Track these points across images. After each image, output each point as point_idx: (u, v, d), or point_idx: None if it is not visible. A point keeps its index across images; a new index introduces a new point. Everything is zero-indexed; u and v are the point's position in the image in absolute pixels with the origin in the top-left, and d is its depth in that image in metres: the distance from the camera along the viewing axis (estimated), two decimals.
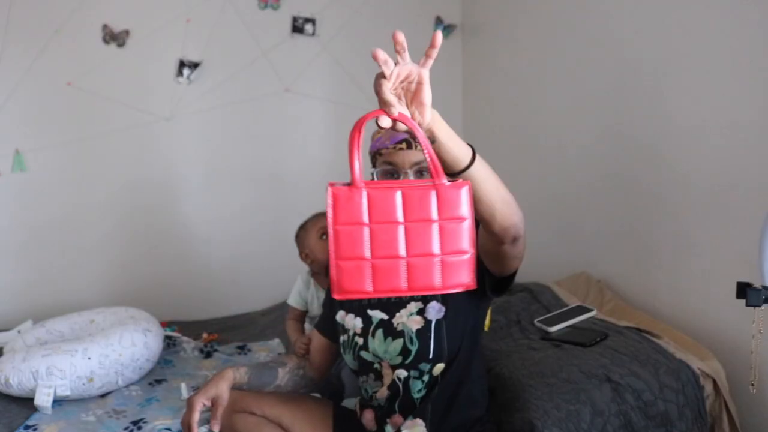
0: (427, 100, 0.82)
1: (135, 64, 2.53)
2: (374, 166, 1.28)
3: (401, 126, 0.80)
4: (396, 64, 0.79)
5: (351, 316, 1.35)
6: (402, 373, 1.28)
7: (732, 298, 1.07)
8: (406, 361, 1.26)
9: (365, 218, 0.78)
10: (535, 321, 1.86)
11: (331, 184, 0.79)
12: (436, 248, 0.79)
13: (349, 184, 0.79)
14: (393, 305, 1.31)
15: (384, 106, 0.79)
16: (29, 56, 2.40)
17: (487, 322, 1.81)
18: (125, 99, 2.55)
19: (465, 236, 0.80)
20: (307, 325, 1.94)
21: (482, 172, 0.91)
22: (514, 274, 1.18)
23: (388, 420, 1.32)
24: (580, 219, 2.26)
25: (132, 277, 2.65)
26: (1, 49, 2.37)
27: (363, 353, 1.32)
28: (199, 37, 2.59)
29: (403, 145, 1.21)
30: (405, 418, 1.30)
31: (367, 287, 0.79)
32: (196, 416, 1.23)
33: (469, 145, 0.91)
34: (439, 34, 0.80)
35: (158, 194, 2.67)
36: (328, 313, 1.45)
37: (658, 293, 1.90)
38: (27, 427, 1.60)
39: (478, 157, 0.90)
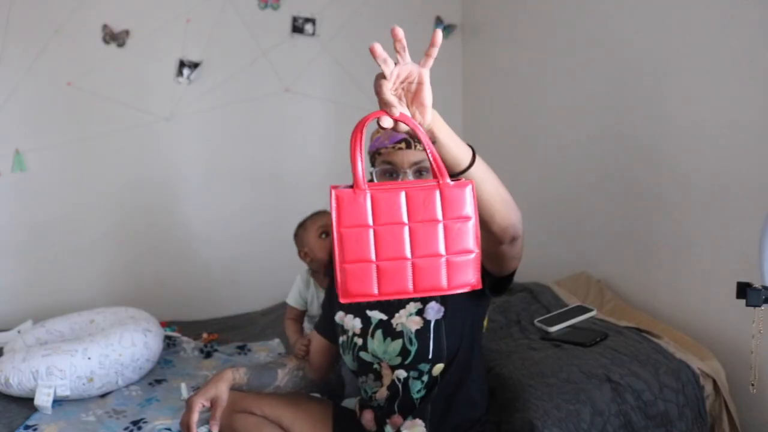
0: (428, 100, 0.81)
1: (135, 64, 2.53)
2: (373, 165, 1.28)
3: (403, 127, 0.80)
4: (396, 63, 0.78)
5: (350, 316, 1.35)
6: (401, 373, 1.28)
7: (732, 298, 1.07)
8: (406, 362, 1.26)
9: (370, 220, 0.78)
10: (535, 321, 1.86)
11: (334, 187, 0.78)
12: (441, 249, 0.79)
13: (351, 187, 0.79)
14: (392, 306, 1.31)
15: (384, 106, 0.78)
16: (29, 56, 2.40)
17: (484, 323, 1.81)
18: (125, 99, 2.55)
19: (470, 235, 0.80)
20: (306, 324, 1.94)
21: (482, 173, 0.91)
22: (512, 274, 1.18)
23: (387, 420, 1.32)
24: (580, 219, 2.26)
25: (132, 277, 2.65)
26: (1, 49, 2.37)
27: (362, 354, 1.32)
28: (199, 37, 2.59)
29: (403, 145, 1.21)
30: (405, 418, 1.30)
31: (373, 290, 0.78)
32: (195, 416, 1.23)
33: (469, 146, 0.91)
34: (439, 33, 0.79)
35: (158, 194, 2.67)
36: (327, 313, 1.45)
37: (658, 293, 1.90)
38: (27, 427, 1.60)
39: (478, 157, 0.90)
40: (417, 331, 1.26)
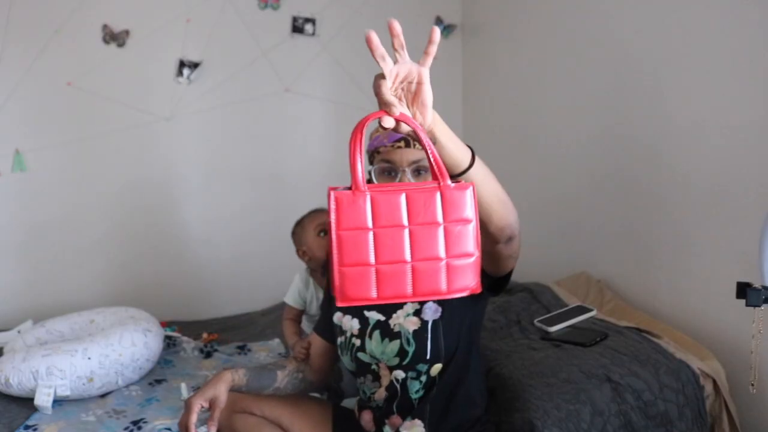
0: (428, 100, 0.81)
1: (135, 64, 2.53)
2: (371, 164, 1.27)
3: (404, 127, 0.79)
4: (395, 62, 0.78)
5: (348, 317, 1.34)
6: (400, 374, 1.28)
7: (732, 298, 1.07)
8: (404, 362, 1.26)
9: (369, 223, 0.77)
10: (535, 321, 1.86)
11: (333, 189, 0.77)
12: (441, 252, 0.78)
13: (350, 188, 0.77)
14: (390, 306, 1.31)
15: (384, 106, 0.77)
16: (29, 56, 2.40)
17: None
18: (125, 99, 2.55)
19: (471, 238, 0.79)
20: (306, 323, 1.93)
21: (481, 174, 0.91)
22: (510, 274, 1.17)
23: (386, 421, 1.32)
24: (580, 219, 2.26)
25: (132, 277, 2.65)
26: (1, 49, 2.37)
27: (360, 355, 1.31)
28: (199, 37, 2.59)
29: (402, 144, 1.20)
30: (403, 418, 1.29)
31: (371, 294, 0.77)
32: (194, 417, 1.22)
33: (468, 146, 0.90)
34: (437, 30, 0.78)
35: (158, 194, 2.67)
36: (326, 314, 1.44)
37: (658, 293, 1.90)
38: (27, 427, 1.60)
39: (477, 158, 0.90)
40: (415, 331, 1.26)
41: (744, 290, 1.05)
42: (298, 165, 2.82)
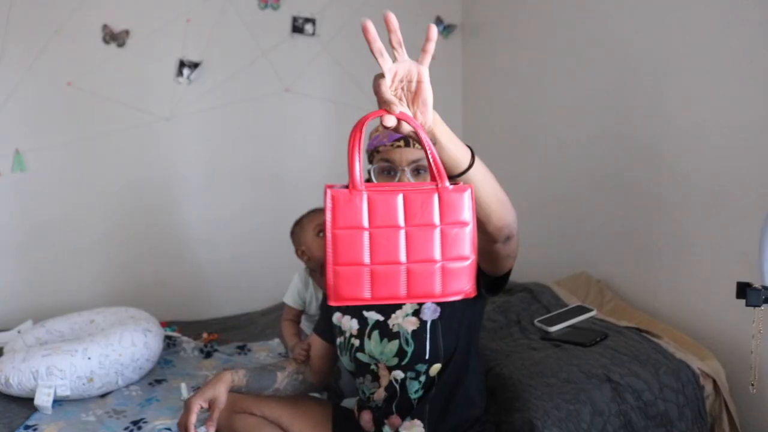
0: (429, 99, 0.80)
1: (135, 64, 2.53)
2: (371, 163, 1.27)
3: (405, 128, 0.78)
4: (394, 61, 0.77)
5: (347, 317, 1.34)
6: (399, 374, 1.28)
7: (732, 298, 1.07)
8: (403, 362, 1.26)
9: (365, 222, 0.76)
10: (535, 321, 1.86)
11: (329, 187, 0.77)
12: (437, 254, 0.77)
13: (347, 187, 0.77)
14: (389, 306, 1.31)
15: (385, 105, 0.77)
16: (29, 56, 2.40)
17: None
18: (125, 99, 2.55)
19: (467, 242, 0.78)
20: (305, 324, 1.93)
21: (481, 174, 0.90)
22: (508, 274, 1.17)
23: (385, 421, 1.31)
24: (580, 219, 2.26)
25: (132, 277, 2.65)
26: (1, 49, 2.37)
27: (359, 355, 1.31)
28: (199, 37, 2.59)
29: (401, 143, 1.20)
30: (403, 419, 1.29)
31: (365, 294, 0.77)
32: (193, 418, 1.22)
33: (468, 146, 0.90)
34: (434, 27, 0.78)
35: (158, 194, 2.67)
36: (325, 315, 1.44)
37: (658, 293, 1.90)
38: (27, 427, 1.60)
39: (477, 158, 0.90)
40: (413, 331, 1.26)
41: (744, 290, 1.05)
42: (298, 165, 2.82)
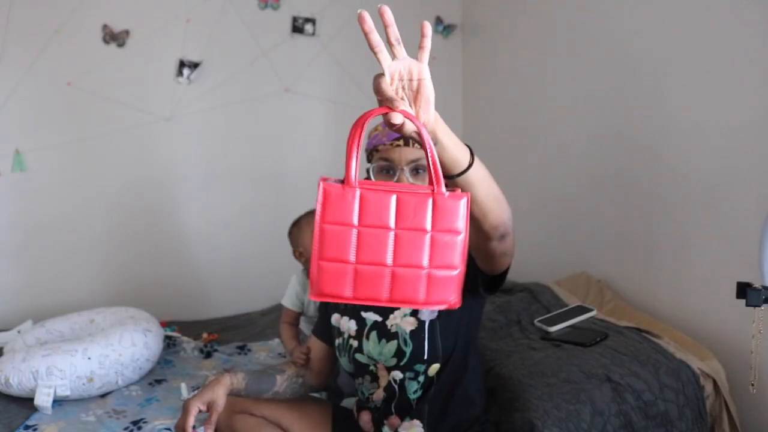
0: (431, 96, 0.79)
1: (135, 64, 2.53)
2: (370, 162, 1.27)
3: (409, 128, 0.77)
4: (393, 58, 0.76)
5: (345, 318, 1.34)
6: (397, 374, 1.27)
7: (732, 298, 1.07)
8: (401, 363, 1.26)
9: (355, 220, 0.75)
10: (535, 321, 1.86)
11: (324, 179, 0.75)
12: (425, 260, 0.76)
13: (342, 182, 0.75)
14: (387, 307, 1.30)
15: (387, 103, 0.75)
16: (29, 56, 2.40)
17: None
18: (125, 99, 2.55)
19: (457, 251, 0.76)
20: (304, 326, 1.92)
21: (480, 173, 0.90)
22: (506, 272, 1.17)
23: (385, 421, 1.31)
24: (580, 219, 2.26)
25: (132, 277, 2.65)
26: (1, 49, 2.37)
27: (358, 356, 1.31)
28: (199, 37, 2.59)
29: (401, 142, 1.20)
30: (402, 419, 1.29)
31: (346, 292, 0.75)
32: (191, 420, 1.21)
33: (467, 145, 0.90)
34: (428, 24, 0.77)
35: (158, 194, 2.67)
36: (323, 316, 1.44)
37: (658, 293, 1.90)
38: (27, 427, 1.60)
39: (476, 158, 0.89)
40: (412, 331, 1.26)
41: (744, 290, 1.05)
42: (298, 165, 2.82)
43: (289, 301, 1.87)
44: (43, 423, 1.62)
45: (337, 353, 1.37)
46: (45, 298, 2.52)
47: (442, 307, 0.78)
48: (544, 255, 2.43)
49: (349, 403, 1.55)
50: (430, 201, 0.76)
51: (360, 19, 0.73)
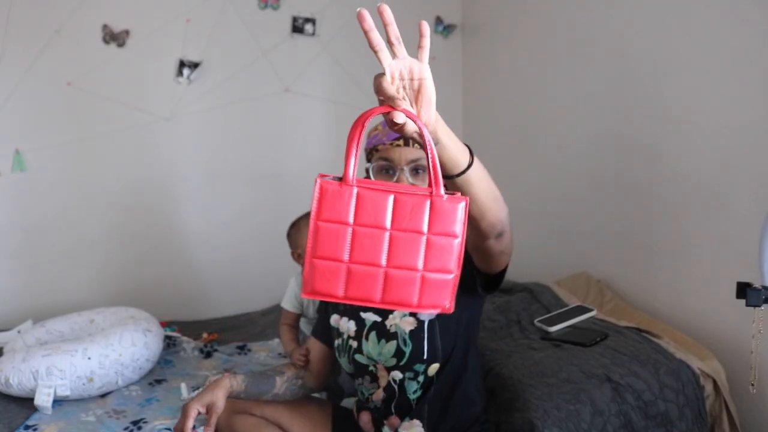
0: (432, 97, 0.78)
1: (135, 64, 2.53)
2: (369, 162, 1.26)
3: (410, 128, 0.77)
4: (393, 57, 0.75)
5: (345, 319, 1.34)
6: (397, 374, 1.27)
7: (732, 298, 1.07)
8: (401, 363, 1.26)
9: (350, 218, 0.74)
10: (535, 321, 1.86)
11: (322, 176, 0.75)
12: (419, 263, 0.75)
13: (340, 179, 0.75)
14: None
15: (389, 101, 0.75)
16: (29, 56, 2.40)
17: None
18: (125, 99, 2.55)
19: (453, 255, 0.75)
20: (304, 327, 1.92)
21: (479, 172, 0.90)
22: (504, 271, 1.17)
23: (385, 422, 1.31)
24: (580, 219, 2.26)
25: (132, 277, 2.65)
26: (1, 49, 2.37)
27: (357, 356, 1.31)
28: (199, 37, 2.59)
29: (401, 142, 1.19)
30: (402, 419, 1.29)
31: (338, 291, 0.74)
32: (190, 423, 1.21)
33: (466, 145, 0.90)
34: (425, 23, 0.76)
35: (158, 194, 2.67)
36: (323, 317, 1.43)
37: (658, 293, 1.90)
38: (27, 427, 1.60)
39: (475, 158, 0.89)
40: (411, 331, 1.26)
41: (744, 290, 1.05)
42: (298, 165, 2.82)
43: (288, 303, 1.87)
44: (43, 423, 1.62)
45: (337, 354, 1.36)
46: (45, 298, 2.52)
47: (436, 312, 0.77)
48: (544, 255, 2.43)
49: (348, 403, 1.55)
50: (428, 203, 0.75)
51: (360, 18, 0.72)
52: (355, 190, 0.74)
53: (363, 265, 0.74)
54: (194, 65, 2.59)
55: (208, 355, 2.09)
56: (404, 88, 0.78)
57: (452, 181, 0.88)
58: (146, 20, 2.52)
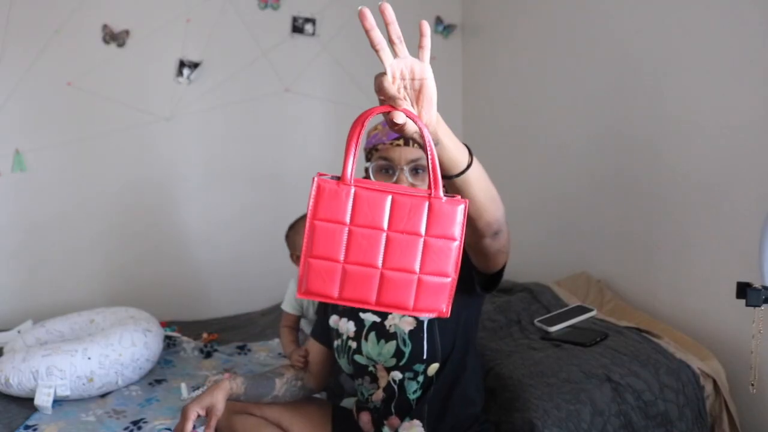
0: (433, 97, 0.78)
1: (135, 64, 2.53)
2: (368, 161, 1.26)
3: (410, 128, 0.76)
4: (394, 56, 0.75)
5: (344, 320, 1.34)
6: (397, 375, 1.27)
7: (732, 298, 1.07)
8: (401, 363, 1.26)
9: (347, 218, 0.73)
10: (535, 321, 1.86)
11: (320, 175, 0.74)
12: (416, 265, 0.74)
13: (338, 179, 0.74)
14: None
15: (390, 101, 0.74)
16: (29, 56, 2.40)
17: None
18: (125, 99, 2.55)
19: (451, 258, 0.74)
20: (306, 326, 1.92)
21: (477, 172, 0.90)
22: (502, 271, 1.17)
23: (385, 422, 1.31)
24: (580, 219, 2.26)
25: (132, 277, 2.65)
26: (1, 49, 2.37)
27: (357, 357, 1.31)
28: (199, 37, 2.59)
29: (401, 142, 1.19)
30: (402, 419, 1.29)
31: (333, 292, 0.74)
32: (189, 426, 1.20)
33: (465, 145, 0.89)
34: (425, 23, 0.76)
35: (158, 194, 2.67)
36: (322, 318, 1.43)
37: (658, 293, 1.90)
38: (27, 427, 1.60)
39: (474, 158, 0.89)
40: (410, 331, 1.26)
41: (744, 290, 1.05)
42: (298, 165, 2.82)
43: (288, 306, 1.86)
44: (43, 423, 1.62)
45: (336, 355, 1.36)
46: (45, 298, 2.52)
47: (432, 315, 0.76)
48: (544, 255, 2.43)
49: (348, 403, 1.55)
50: (427, 204, 0.74)
51: (361, 16, 0.72)
52: (353, 190, 0.73)
53: (359, 265, 0.73)
54: (194, 65, 2.59)
55: (208, 355, 2.09)
56: (405, 88, 0.77)
57: (451, 182, 0.88)
58: (146, 20, 2.52)
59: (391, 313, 1.29)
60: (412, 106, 0.78)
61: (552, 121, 2.38)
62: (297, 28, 2.71)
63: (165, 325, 2.27)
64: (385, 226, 0.74)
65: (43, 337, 1.95)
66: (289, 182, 2.81)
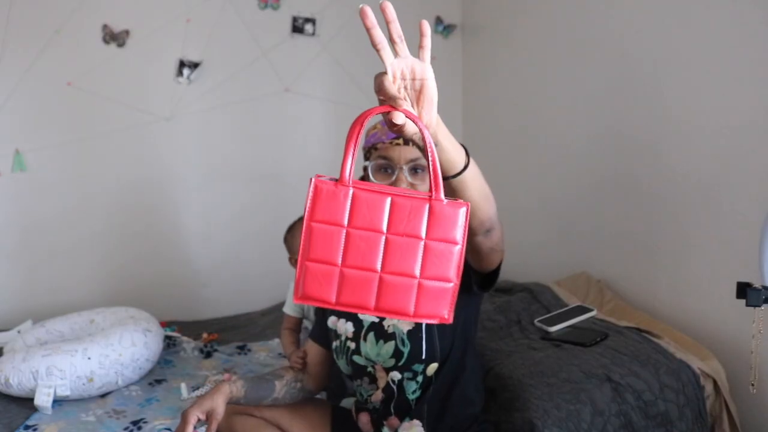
0: (434, 97, 0.77)
1: (135, 64, 2.53)
2: (367, 160, 1.26)
3: (410, 129, 0.75)
4: (395, 56, 0.74)
5: (343, 320, 1.34)
6: (396, 375, 1.27)
7: (732, 298, 1.07)
8: (400, 363, 1.26)
9: (345, 220, 0.71)
10: (535, 321, 1.86)
11: (318, 176, 0.72)
12: (416, 269, 0.71)
13: (337, 180, 0.72)
14: None
15: (390, 101, 0.74)
16: (29, 56, 2.40)
17: None
18: (125, 99, 2.55)
19: (453, 262, 0.72)
20: (310, 328, 1.91)
21: (473, 172, 0.90)
22: (498, 269, 1.16)
23: (384, 422, 1.31)
24: (580, 219, 2.26)
25: (132, 277, 2.65)
26: (1, 49, 2.37)
27: (356, 358, 1.31)
28: (199, 37, 2.59)
29: (400, 141, 1.19)
30: (401, 419, 1.29)
31: (331, 297, 0.71)
32: (189, 429, 1.21)
33: (461, 145, 0.89)
34: (426, 23, 0.75)
35: (158, 194, 2.67)
36: (320, 319, 1.43)
37: (658, 293, 1.90)
38: (27, 427, 1.60)
39: (471, 159, 0.89)
40: (409, 331, 1.26)
41: (744, 290, 1.05)
42: (298, 165, 2.82)
43: (289, 308, 1.87)
44: (43, 423, 1.62)
45: (335, 356, 1.36)
46: (45, 298, 2.52)
47: (434, 322, 0.73)
48: (544, 255, 2.43)
49: (347, 403, 1.55)
50: (427, 207, 0.72)
51: (362, 15, 0.71)
52: (351, 191, 0.71)
53: (357, 269, 0.71)
54: (194, 65, 2.59)
55: (208, 355, 2.09)
56: (406, 88, 0.76)
57: (447, 182, 0.87)
58: (146, 20, 2.52)
59: None
60: (413, 106, 0.77)
61: (552, 121, 2.38)
62: (297, 28, 2.71)
63: (165, 325, 2.27)
64: (385, 228, 0.71)
65: (43, 337, 1.95)
66: (289, 182, 2.81)
